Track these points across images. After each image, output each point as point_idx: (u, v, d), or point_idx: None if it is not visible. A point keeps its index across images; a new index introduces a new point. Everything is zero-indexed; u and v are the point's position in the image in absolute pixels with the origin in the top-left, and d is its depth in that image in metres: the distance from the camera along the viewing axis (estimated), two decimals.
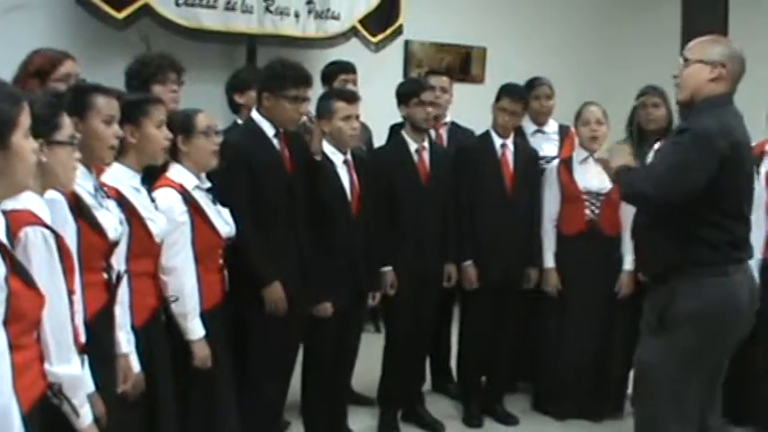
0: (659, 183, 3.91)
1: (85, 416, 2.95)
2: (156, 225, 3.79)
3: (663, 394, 3.99)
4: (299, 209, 4.79)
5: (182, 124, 4.17)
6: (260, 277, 4.61)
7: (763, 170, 5.58)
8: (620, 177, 4.17)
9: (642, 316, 4.25)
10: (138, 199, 3.76)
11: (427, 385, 6.25)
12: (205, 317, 4.09)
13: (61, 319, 2.84)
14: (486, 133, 5.90)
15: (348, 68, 6.43)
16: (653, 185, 3.93)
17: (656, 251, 4.12)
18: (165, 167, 4.11)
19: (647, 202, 4.07)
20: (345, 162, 5.15)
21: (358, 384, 5.94)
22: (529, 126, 6.44)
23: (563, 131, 6.43)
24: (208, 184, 4.26)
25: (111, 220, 3.39)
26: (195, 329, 4.05)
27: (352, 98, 5.18)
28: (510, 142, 5.86)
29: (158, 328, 3.92)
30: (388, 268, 5.42)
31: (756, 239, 5.36)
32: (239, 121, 5.52)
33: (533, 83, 6.43)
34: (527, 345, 6.13)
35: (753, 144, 5.75)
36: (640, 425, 4.17)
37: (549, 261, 5.93)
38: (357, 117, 5.15)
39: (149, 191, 3.90)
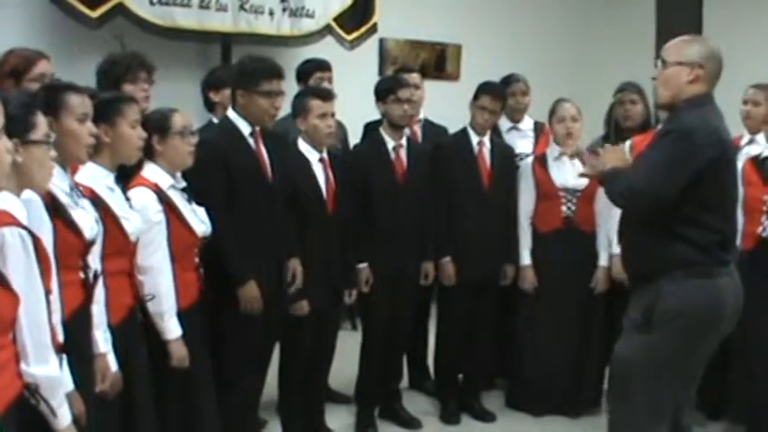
0: (643, 184, 3.91)
1: (63, 416, 2.94)
2: (131, 224, 3.77)
3: (639, 392, 4.00)
4: (275, 208, 4.79)
5: (158, 124, 4.16)
6: (235, 276, 4.60)
7: (739, 165, 5.61)
8: (607, 178, 4.17)
9: (620, 312, 4.26)
10: (113, 198, 3.74)
11: (404, 382, 6.26)
12: (182, 316, 4.09)
13: (38, 319, 2.83)
14: (463, 131, 5.91)
15: (323, 66, 6.44)
16: (637, 186, 3.93)
17: (642, 251, 4.10)
18: (140, 166, 4.09)
19: (631, 203, 4.06)
20: (321, 160, 5.15)
21: (335, 382, 5.94)
22: (504, 123, 6.44)
23: (538, 128, 6.44)
24: (183, 184, 4.26)
25: (86, 219, 3.38)
26: (172, 329, 4.04)
27: (327, 96, 5.18)
28: (487, 140, 5.87)
29: (135, 327, 3.90)
30: (364, 265, 5.42)
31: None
32: (215, 120, 5.50)
33: (508, 80, 6.43)
34: (504, 342, 6.14)
35: None
36: (614, 422, 4.17)
37: (526, 258, 5.94)
38: (333, 115, 5.15)
39: (124, 190, 3.89)
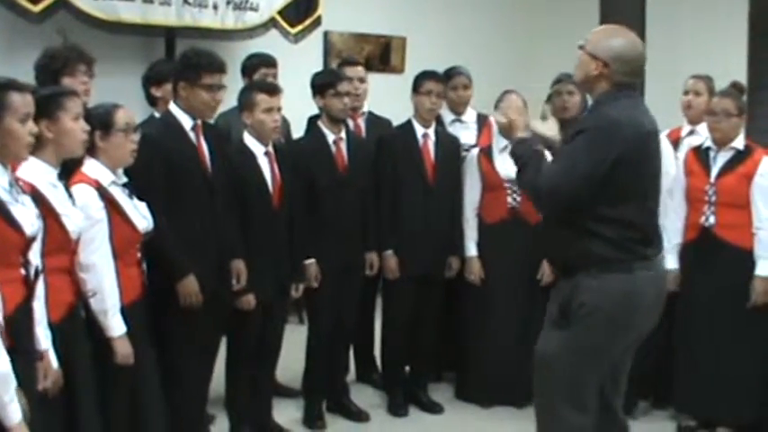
0: (561, 184, 3.88)
1: (14, 412, 2.94)
2: (72, 221, 3.73)
3: (560, 385, 3.99)
4: (216, 202, 4.77)
5: (101, 120, 4.11)
6: (174, 271, 4.58)
7: (680, 156, 5.67)
8: (516, 159, 4.13)
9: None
10: (54, 194, 3.70)
11: (352, 376, 6.28)
12: (125, 312, 4.05)
13: None
14: (408, 122, 5.92)
15: (269, 62, 6.41)
16: (554, 188, 3.91)
17: (560, 246, 4.09)
18: (80, 162, 4.05)
19: (547, 204, 4.05)
20: (267, 154, 5.15)
21: (282, 376, 5.92)
22: (447, 115, 6.45)
23: (481, 120, 6.45)
24: (124, 179, 4.23)
25: (27, 216, 3.33)
26: (116, 326, 4.00)
27: (273, 90, 5.18)
28: (431, 131, 5.89)
29: (76, 324, 3.85)
30: (311, 260, 5.42)
31: (673, 224, 5.50)
32: (157, 115, 5.48)
33: (451, 72, 6.42)
34: (451, 333, 6.16)
35: (668, 131, 5.89)
36: (540, 414, 4.15)
37: (472, 250, 5.97)
38: (279, 109, 5.16)
39: (66, 186, 3.85)
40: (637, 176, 3.92)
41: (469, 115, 6.50)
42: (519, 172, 4.15)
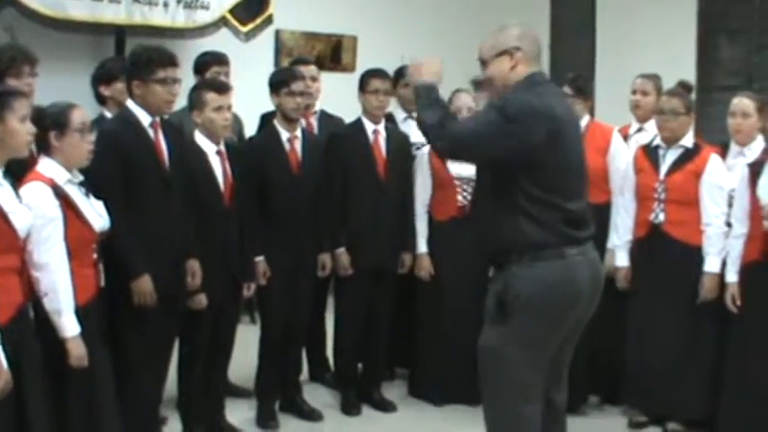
0: (456, 142, 3.91)
1: None
2: (19, 219, 3.70)
3: (505, 378, 3.96)
4: (173, 200, 4.75)
5: (56, 119, 4.09)
6: (129, 270, 4.55)
7: (632, 154, 5.72)
8: (419, 96, 4.09)
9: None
10: (0, 193, 3.67)
11: (304, 375, 6.26)
12: (80, 312, 4.02)
13: None
14: (358, 120, 5.93)
15: (221, 60, 6.38)
16: (449, 142, 3.92)
17: (491, 237, 4.05)
18: (34, 161, 4.02)
19: (439, 153, 4.11)
20: (218, 152, 5.14)
21: (235, 376, 5.90)
22: (399, 113, 6.48)
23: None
24: (80, 178, 4.19)
25: None
26: (70, 326, 3.97)
27: (223, 88, 5.18)
28: (382, 128, 5.90)
29: (26, 325, 3.82)
30: (260, 258, 5.41)
31: (623, 221, 5.55)
32: (107, 114, 5.44)
33: (403, 70, 6.42)
34: (404, 331, 6.17)
35: (618, 128, 5.96)
36: (487, 408, 4.12)
37: (423, 247, 5.99)
38: (229, 107, 5.16)
39: (14, 185, 3.81)
40: (558, 158, 3.88)
41: None
42: (421, 109, 4.09)
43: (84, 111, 4.24)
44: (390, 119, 6.26)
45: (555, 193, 3.89)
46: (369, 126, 5.87)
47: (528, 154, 3.81)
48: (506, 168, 3.89)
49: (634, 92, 6.17)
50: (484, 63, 4.07)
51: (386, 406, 6.01)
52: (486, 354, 4.05)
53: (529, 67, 4.00)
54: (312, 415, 5.81)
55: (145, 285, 4.57)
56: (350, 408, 5.94)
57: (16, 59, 4.73)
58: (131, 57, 4.86)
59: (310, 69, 6.42)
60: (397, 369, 6.49)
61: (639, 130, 6.07)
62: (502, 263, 4.00)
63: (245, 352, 5.69)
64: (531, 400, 3.99)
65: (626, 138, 6.05)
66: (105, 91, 5.57)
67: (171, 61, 4.72)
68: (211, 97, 5.08)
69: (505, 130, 3.80)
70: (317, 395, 6.12)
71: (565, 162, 3.93)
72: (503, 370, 3.97)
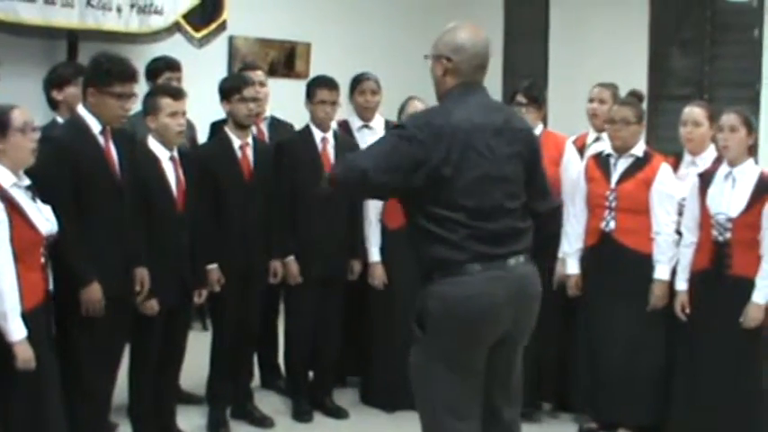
0: (350, 168, 3.83)
1: None
2: None
3: (432, 394, 3.90)
4: (123, 207, 4.73)
5: None
6: (78, 277, 4.53)
7: (583, 163, 5.76)
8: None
9: None
10: None
11: (256, 381, 6.24)
12: (27, 317, 4.00)
13: None
14: (306, 127, 5.92)
15: (173, 66, 6.38)
16: (342, 168, 3.88)
17: (414, 253, 3.99)
18: None
19: (338, 185, 3.94)
20: (171, 159, 5.12)
21: (186, 383, 5.88)
22: (355, 121, 6.46)
23: (389, 127, 6.46)
24: (27, 182, 4.17)
25: None
26: (16, 330, 3.95)
27: (178, 94, 5.17)
28: (330, 136, 5.90)
29: None
30: (214, 266, 5.40)
31: (574, 229, 5.59)
32: (58, 119, 5.40)
33: (359, 78, 6.42)
34: (355, 338, 6.18)
35: (574, 138, 6.00)
36: (423, 424, 4.03)
37: (375, 255, 6.00)
38: (184, 113, 5.15)
39: None
40: (463, 175, 3.77)
41: (377, 122, 6.48)
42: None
43: (26, 110, 4.21)
44: (345, 126, 6.26)
45: (461, 211, 3.79)
46: (317, 134, 5.86)
47: (429, 172, 3.74)
48: (406, 191, 3.85)
49: (591, 100, 6.20)
50: (427, 57, 4.04)
51: (337, 413, 6.01)
52: (412, 370, 3.99)
53: (457, 79, 3.93)
54: (264, 422, 5.79)
55: (93, 293, 4.54)
56: (301, 414, 5.93)
57: None
58: (92, 62, 4.81)
59: (258, 74, 6.42)
60: (349, 376, 6.48)
61: (597, 139, 6.10)
62: (421, 281, 3.95)
63: (196, 358, 5.67)
64: (463, 418, 3.89)
65: (583, 147, 6.08)
66: (58, 95, 5.53)
67: (131, 77, 4.71)
68: (167, 103, 5.06)
69: (402, 149, 3.75)
70: (268, 402, 6.11)
71: (475, 179, 3.80)
72: (428, 385, 3.91)
